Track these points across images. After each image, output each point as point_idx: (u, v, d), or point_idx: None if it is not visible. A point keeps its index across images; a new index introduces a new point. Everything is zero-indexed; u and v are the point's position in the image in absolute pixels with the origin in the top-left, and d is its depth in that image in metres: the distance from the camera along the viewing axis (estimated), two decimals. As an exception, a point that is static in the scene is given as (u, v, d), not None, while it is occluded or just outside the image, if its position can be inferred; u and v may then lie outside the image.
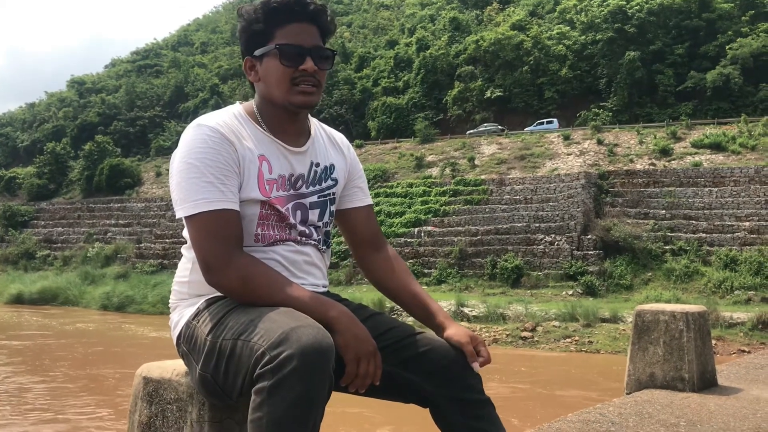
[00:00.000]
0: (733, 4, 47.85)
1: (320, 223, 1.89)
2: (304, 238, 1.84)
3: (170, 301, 1.89)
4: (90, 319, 30.25)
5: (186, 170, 1.69)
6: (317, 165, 1.89)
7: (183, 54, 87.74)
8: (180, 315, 1.83)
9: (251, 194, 1.74)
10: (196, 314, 1.76)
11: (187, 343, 1.76)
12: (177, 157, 1.73)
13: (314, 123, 1.98)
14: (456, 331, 1.84)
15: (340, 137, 2.05)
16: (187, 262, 1.83)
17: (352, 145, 2.21)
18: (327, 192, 1.91)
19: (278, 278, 1.67)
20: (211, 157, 1.69)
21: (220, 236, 1.66)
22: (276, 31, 1.78)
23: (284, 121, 1.84)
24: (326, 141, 1.98)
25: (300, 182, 1.85)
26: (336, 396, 1.60)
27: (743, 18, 46.72)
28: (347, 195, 2.02)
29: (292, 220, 1.81)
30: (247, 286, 1.65)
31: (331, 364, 1.47)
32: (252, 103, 1.88)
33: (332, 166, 1.94)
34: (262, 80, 1.82)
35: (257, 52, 1.81)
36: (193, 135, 1.72)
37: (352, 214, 2.03)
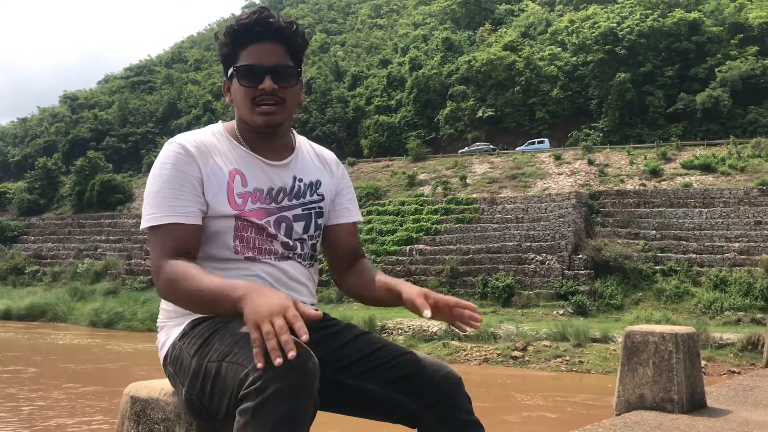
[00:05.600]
0: (722, 28, 48.46)
1: (305, 236, 1.90)
2: (287, 251, 1.85)
3: (158, 320, 1.90)
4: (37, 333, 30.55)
5: (150, 184, 1.77)
6: (300, 180, 1.91)
7: (176, 71, 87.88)
8: (167, 335, 1.83)
9: (220, 208, 1.78)
10: (183, 335, 1.77)
11: (173, 365, 1.76)
12: (150, 172, 1.81)
13: (301, 140, 2.00)
14: (409, 289, 1.80)
15: (328, 155, 2.06)
16: None
17: (344, 162, 2.22)
18: (312, 205, 1.92)
19: (196, 273, 1.66)
20: (171, 173, 1.75)
21: (161, 248, 1.72)
22: (240, 53, 1.82)
23: (262, 139, 1.87)
24: (313, 158, 2.00)
25: (282, 195, 1.86)
26: (320, 416, 1.59)
27: (732, 41, 47.33)
28: (335, 211, 2.02)
29: (272, 230, 1.82)
30: (171, 287, 1.68)
31: (315, 385, 1.47)
32: (233, 122, 1.92)
33: (318, 182, 1.95)
34: (234, 101, 1.87)
35: (228, 74, 1.86)
36: (163, 152, 1.80)
37: (336, 230, 2.02)
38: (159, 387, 1.85)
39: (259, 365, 1.41)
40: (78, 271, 41.80)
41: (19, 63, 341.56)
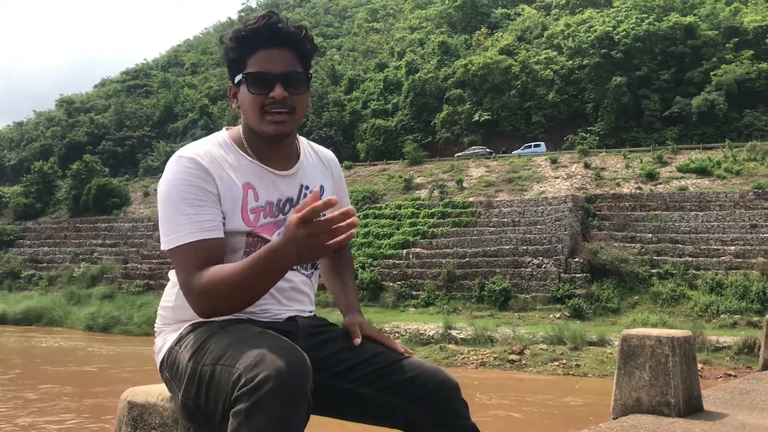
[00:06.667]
0: (717, 32, 48.62)
1: None
2: None
3: (155, 325, 1.89)
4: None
5: (166, 203, 1.71)
6: (306, 188, 1.89)
7: (173, 74, 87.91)
8: (164, 341, 1.83)
9: (234, 225, 1.74)
10: (179, 340, 1.76)
11: (169, 370, 1.76)
12: (160, 191, 1.74)
13: (303, 143, 1.97)
14: (349, 319, 1.95)
15: (328, 155, 2.05)
16: (173, 287, 1.83)
17: (341, 166, 2.21)
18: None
19: (225, 268, 1.62)
20: (189, 190, 1.69)
21: (194, 266, 1.66)
22: (248, 59, 1.78)
23: (269, 147, 1.83)
24: (316, 162, 1.98)
25: (289, 206, 1.84)
26: (317, 420, 1.60)
27: (727, 45, 47.47)
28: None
29: None
30: (214, 294, 1.61)
31: (308, 386, 1.46)
32: (239, 129, 1.87)
33: (322, 189, 1.93)
34: (241, 108, 1.83)
35: (235, 80, 1.82)
36: (173, 167, 1.73)
37: None
38: (156, 392, 1.84)
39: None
40: (74, 275, 41.69)
41: (15, 66, 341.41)
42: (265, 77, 1.76)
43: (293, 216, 1.46)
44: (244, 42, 1.78)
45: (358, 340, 1.84)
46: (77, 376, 19.82)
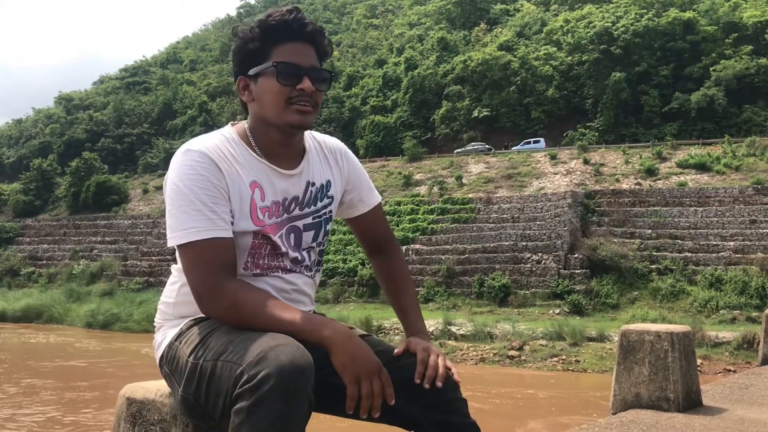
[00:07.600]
0: (716, 27, 48.60)
1: (314, 244, 1.87)
2: (295, 266, 1.82)
3: (155, 320, 1.88)
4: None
5: (176, 198, 1.66)
6: (312, 185, 1.86)
7: (172, 71, 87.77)
8: (163, 336, 1.82)
9: (243, 225, 1.72)
10: (179, 335, 1.75)
11: (169, 365, 1.74)
12: (167, 184, 1.70)
13: (307, 136, 1.93)
14: (414, 343, 1.79)
15: (334, 146, 1.99)
16: (175, 282, 1.82)
17: None
18: (322, 212, 1.88)
19: (266, 303, 1.62)
20: (200, 184, 1.65)
21: (209, 265, 1.63)
22: (272, 50, 1.74)
23: (278, 143, 1.80)
24: (321, 156, 1.93)
25: (293, 205, 1.81)
26: (316, 417, 1.60)
27: (726, 41, 47.47)
28: (349, 206, 2.01)
29: (284, 249, 1.79)
30: (236, 314, 1.62)
31: (310, 383, 1.45)
32: (244, 125, 1.83)
33: (328, 183, 1.91)
34: (256, 100, 1.78)
35: (252, 71, 1.76)
36: (182, 161, 1.69)
37: (356, 221, 2.04)
38: (155, 388, 1.84)
39: (350, 412, 1.58)
40: (74, 272, 41.72)
41: (14, 63, 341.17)
42: (295, 69, 1.74)
43: (376, 359, 1.59)
44: (272, 32, 1.75)
45: (399, 351, 1.77)
46: (62, 371, 20.00)
